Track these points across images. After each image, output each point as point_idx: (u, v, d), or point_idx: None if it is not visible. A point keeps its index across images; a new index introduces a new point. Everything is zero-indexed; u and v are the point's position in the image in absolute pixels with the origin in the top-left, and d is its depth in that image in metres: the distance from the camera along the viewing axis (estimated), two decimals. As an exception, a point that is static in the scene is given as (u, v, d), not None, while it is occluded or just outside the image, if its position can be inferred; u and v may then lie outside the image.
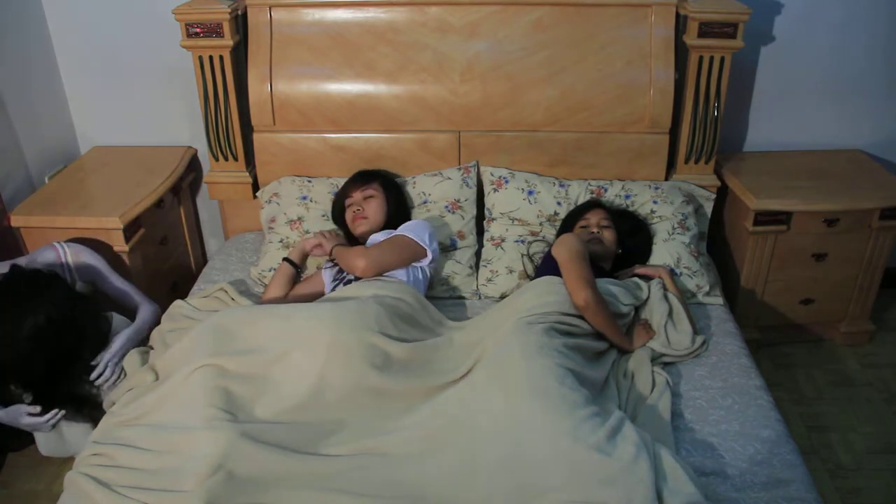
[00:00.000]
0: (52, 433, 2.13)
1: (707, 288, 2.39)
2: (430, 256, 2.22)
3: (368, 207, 2.37)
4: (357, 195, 2.40)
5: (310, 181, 2.59)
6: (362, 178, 2.44)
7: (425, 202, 2.53)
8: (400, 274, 2.18)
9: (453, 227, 2.49)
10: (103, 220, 2.40)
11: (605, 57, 2.52)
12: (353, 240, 2.41)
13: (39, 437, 2.16)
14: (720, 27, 2.42)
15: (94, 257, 2.26)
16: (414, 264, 2.23)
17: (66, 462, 2.28)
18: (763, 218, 2.55)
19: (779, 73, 2.78)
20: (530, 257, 2.41)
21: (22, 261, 2.14)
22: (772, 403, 1.93)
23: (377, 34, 2.54)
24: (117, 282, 2.27)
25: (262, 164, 2.66)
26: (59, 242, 2.23)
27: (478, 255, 2.53)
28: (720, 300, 2.38)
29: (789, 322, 2.79)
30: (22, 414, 2.02)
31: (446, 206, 2.51)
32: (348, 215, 2.40)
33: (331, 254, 2.25)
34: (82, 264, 2.24)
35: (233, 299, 2.25)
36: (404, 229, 2.24)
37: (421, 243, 2.20)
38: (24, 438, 2.26)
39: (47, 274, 2.04)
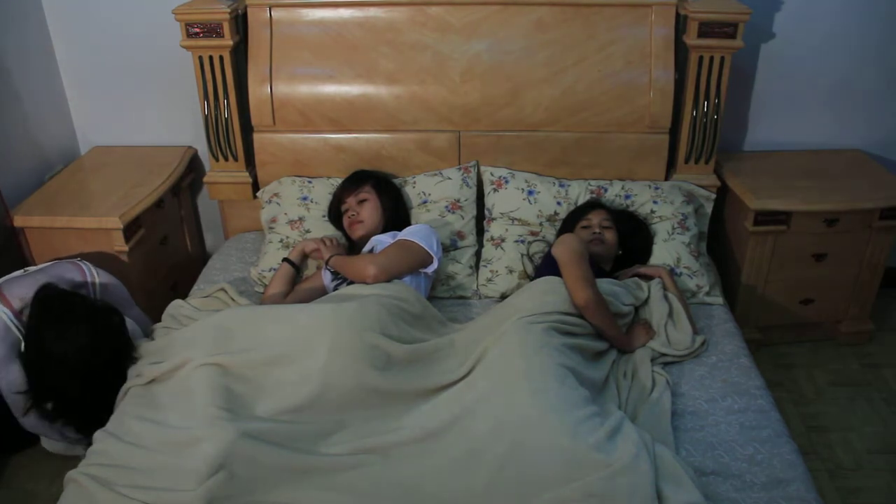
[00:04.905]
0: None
1: (707, 288, 2.39)
2: (435, 264, 2.22)
3: (363, 211, 2.36)
4: (351, 200, 2.40)
5: (310, 181, 2.58)
6: (354, 181, 2.44)
7: (425, 202, 2.53)
8: (403, 277, 2.18)
9: (453, 227, 2.49)
10: (103, 220, 2.40)
11: (605, 57, 2.52)
12: (353, 243, 2.41)
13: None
14: (720, 27, 2.42)
15: (121, 287, 2.25)
16: (419, 270, 2.23)
17: (67, 462, 2.27)
18: (763, 218, 2.55)
19: (779, 72, 2.77)
20: (530, 257, 2.41)
21: (42, 277, 2.07)
22: (772, 403, 1.93)
23: (377, 34, 2.54)
24: (137, 313, 2.28)
25: (262, 164, 2.65)
26: (84, 262, 2.18)
27: (478, 255, 2.53)
28: (720, 300, 2.38)
29: (789, 322, 2.79)
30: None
31: (446, 206, 2.51)
32: (345, 221, 2.40)
33: (328, 262, 2.24)
34: (110, 293, 2.22)
35: (233, 299, 2.25)
36: (411, 235, 2.22)
37: (429, 250, 2.20)
38: (25, 440, 2.26)
39: (88, 301, 2.03)
